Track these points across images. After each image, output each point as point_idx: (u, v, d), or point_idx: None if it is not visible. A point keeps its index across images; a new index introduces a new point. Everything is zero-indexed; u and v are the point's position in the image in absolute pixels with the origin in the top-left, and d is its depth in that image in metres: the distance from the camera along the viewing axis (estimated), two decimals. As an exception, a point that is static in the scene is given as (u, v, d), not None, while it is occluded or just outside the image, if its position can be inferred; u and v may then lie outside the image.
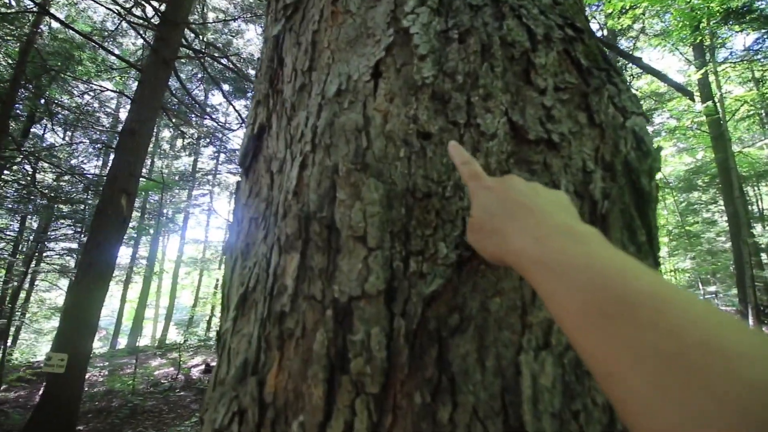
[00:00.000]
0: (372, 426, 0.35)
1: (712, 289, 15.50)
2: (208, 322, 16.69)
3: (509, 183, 0.34)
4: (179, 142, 15.08)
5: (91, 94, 10.24)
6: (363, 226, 0.40)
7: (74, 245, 12.39)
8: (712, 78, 12.44)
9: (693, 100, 1.84)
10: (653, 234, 0.45)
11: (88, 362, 5.27)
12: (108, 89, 9.75)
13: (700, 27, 9.40)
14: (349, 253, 0.40)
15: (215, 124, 11.17)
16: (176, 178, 15.90)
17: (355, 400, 0.36)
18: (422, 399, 0.35)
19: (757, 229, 13.60)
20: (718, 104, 11.23)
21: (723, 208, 12.73)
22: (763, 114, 14.93)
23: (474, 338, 0.35)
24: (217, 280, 19.45)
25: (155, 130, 10.20)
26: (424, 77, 0.44)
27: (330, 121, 0.46)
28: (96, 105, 10.52)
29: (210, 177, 16.37)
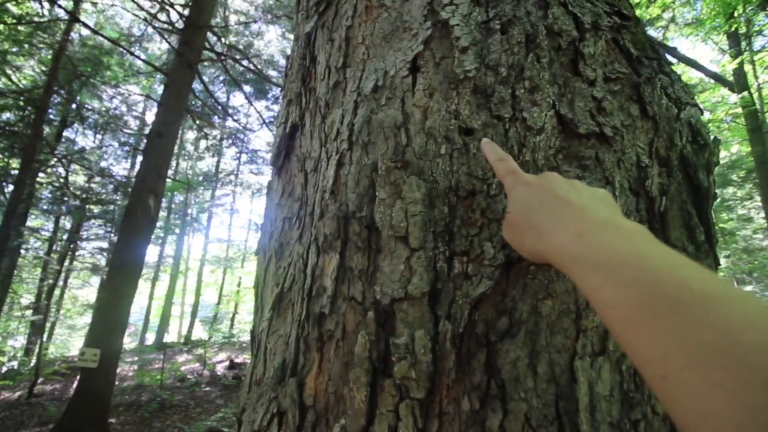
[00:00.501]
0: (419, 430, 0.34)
1: (749, 288, 14.79)
2: (232, 320, 17.07)
3: (548, 179, 0.33)
4: (203, 144, 15.45)
5: (119, 98, 10.61)
6: (404, 225, 0.39)
7: (105, 244, 12.88)
8: (748, 68, 11.85)
9: (733, 90, 1.74)
10: (712, 232, 0.42)
11: (119, 357, 5.47)
12: (135, 93, 10.07)
13: (735, 14, 8.96)
14: (390, 253, 0.39)
15: (237, 125, 11.39)
16: (200, 178, 16.30)
17: (399, 405, 0.35)
18: (470, 405, 0.33)
19: (797, 226, 12.88)
20: (755, 95, 10.69)
21: (760, 204, 12.12)
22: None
23: (525, 343, 0.34)
24: (240, 278, 19.86)
25: (180, 132, 10.47)
26: (465, 70, 0.43)
27: (367, 118, 0.45)
28: (124, 109, 10.89)
29: (232, 177, 16.70)
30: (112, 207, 11.12)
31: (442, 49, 0.45)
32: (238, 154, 15.58)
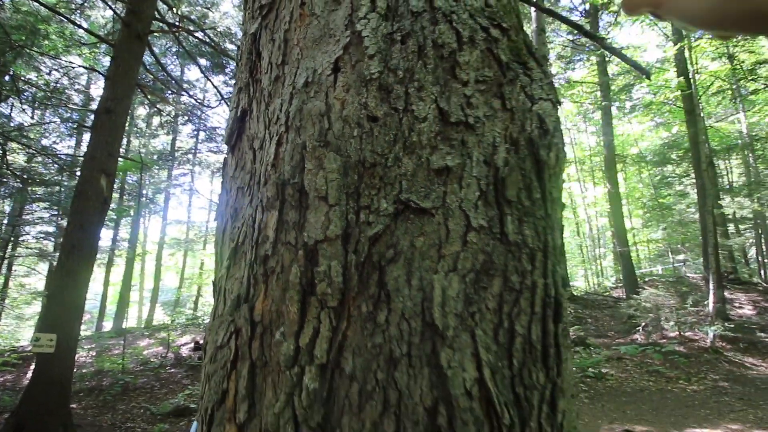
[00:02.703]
0: (332, 329, 0.50)
1: (681, 257, 16.28)
2: (195, 302, 16.75)
3: None
4: (156, 120, 14.66)
5: (60, 70, 9.83)
6: (325, 188, 0.53)
7: (51, 228, 12.14)
8: (688, 54, 12.65)
9: (649, 78, 1.97)
10: (547, 192, 0.59)
11: (77, 342, 5.34)
12: (78, 65, 9.37)
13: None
14: (315, 209, 0.53)
15: (193, 101, 10.91)
16: (155, 157, 15.53)
17: (320, 313, 0.51)
18: (367, 308, 0.49)
19: (725, 200, 14.22)
20: (691, 79, 11.52)
21: (695, 180, 13.24)
22: (735, 89, 15.37)
23: (404, 266, 0.50)
24: (202, 261, 19.37)
25: (130, 108, 9.90)
26: (372, 73, 0.57)
27: (299, 107, 0.59)
28: (65, 82, 10.11)
29: (190, 156, 16.03)
30: (57, 188, 10.46)
31: (357, 54, 0.59)
32: (196, 132, 14.95)
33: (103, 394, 6.66)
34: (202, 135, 14.83)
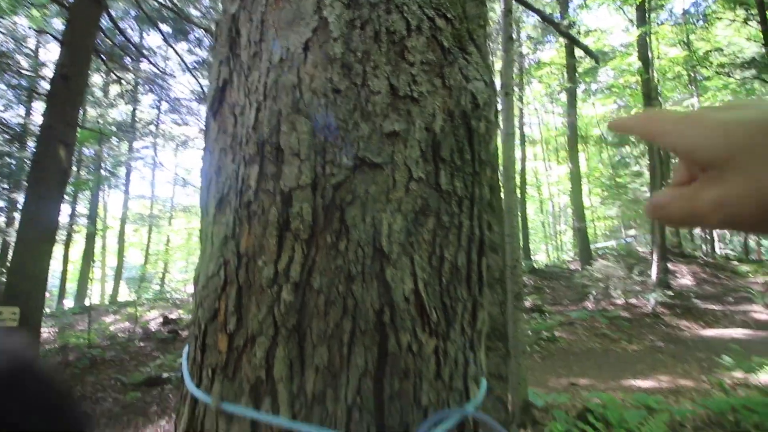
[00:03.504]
0: (304, 256, 0.64)
1: (632, 232, 17.48)
2: (162, 278, 16.39)
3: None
4: (114, 89, 13.85)
5: (4, 31, 9.07)
6: (298, 147, 0.66)
7: (1, 203, 11.44)
8: (649, 39, 13.16)
9: (598, 63, 2.16)
10: (476, 154, 0.75)
11: (42, 315, 5.23)
12: (24, 26, 8.68)
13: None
14: (289, 163, 0.67)
15: (155, 69, 10.39)
16: (113, 128, 14.75)
17: (294, 244, 0.65)
18: (331, 239, 0.64)
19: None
20: (651, 64, 12.10)
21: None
22: (692, 76, 16.23)
23: (360, 207, 0.64)
24: (168, 237, 18.78)
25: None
26: (335, 53, 0.69)
27: (275, 80, 0.71)
28: (11, 45, 9.36)
29: (152, 128, 15.32)
30: (8, 160, 9.83)
31: (324, 37, 0.71)
32: (158, 102, 14.26)
33: (70, 367, 6.59)
34: (164, 106, 14.17)
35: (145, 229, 19.94)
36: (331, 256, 0.64)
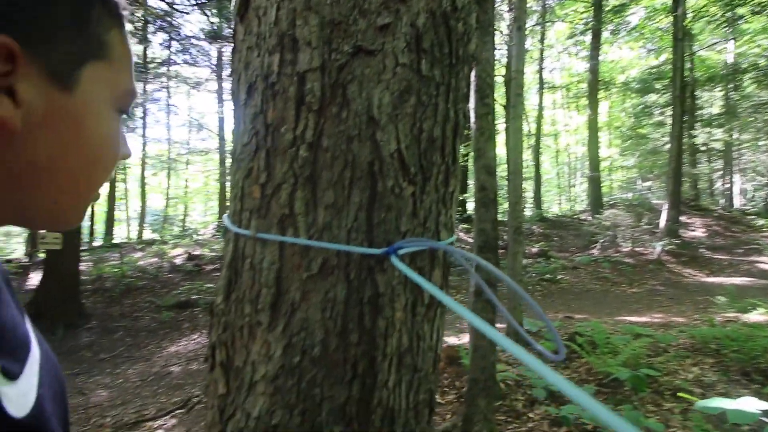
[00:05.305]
0: (315, 123, 0.85)
1: (648, 184, 17.23)
2: (183, 220, 17.18)
3: None
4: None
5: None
6: (310, 36, 0.85)
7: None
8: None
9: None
10: (454, 50, 0.92)
11: (80, 240, 5.72)
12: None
13: None
14: (303, 51, 0.86)
15: (164, 5, 10.18)
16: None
17: (308, 114, 0.85)
18: (336, 110, 0.84)
19: (698, 130, 14.73)
20: (683, 1, 11.23)
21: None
22: (729, 16, 15.00)
23: (357, 85, 0.84)
24: (186, 181, 19.40)
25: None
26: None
27: (291, -18, 0.87)
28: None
29: (165, 70, 15.22)
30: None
31: (330, -55, 0.87)
32: (168, 41, 14.05)
33: (108, 292, 7.28)
34: (175, 45, 13.97)
35: (163, 173, 20.49)
36: (335, 122, 0.84)
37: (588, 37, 15.86)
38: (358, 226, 0.85)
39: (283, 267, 0.87)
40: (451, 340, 4.34)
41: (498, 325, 3.77)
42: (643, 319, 6.17)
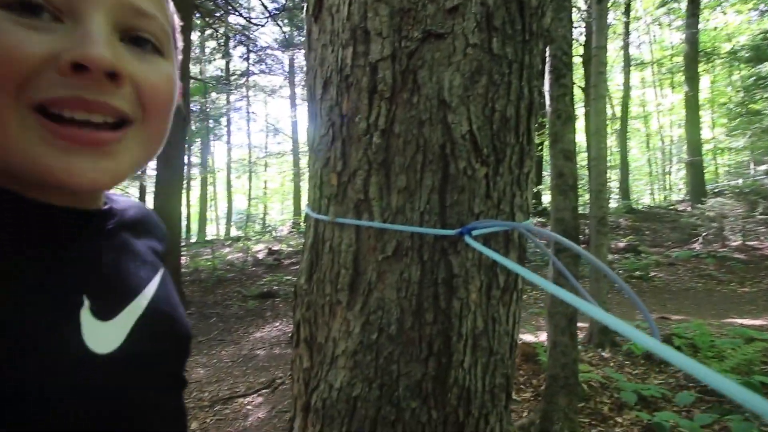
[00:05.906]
0: (387, 110, 0.88)
1: (764, 167, 14.70)
2: (263, 219, 18.66)
3: None
4: (210, 44, 15.04)
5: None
6: (380, 27, 0.88)
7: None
8: None
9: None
10: (526, 25, 0.89)
11: (181, 238, 6.52)
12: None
13: None
14: (374, 41, 0.89)
15: (243, 20, 11.05)
16: (212, 83, 16.25)
17: (380, 102, 0.89)
18: (408, 96, 0.86)
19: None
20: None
21: (796, 78, 11.41)
22: None
23: (428, 69, 0.85)
24: (266, 182, 21.08)
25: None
26: None
27: (362, -23, 0.91)
28: None
29: (244, 80, 16.53)
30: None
31: (398, -65, 0.89)
32: (247, 54, 15.24)
33: (203, 283, 8.18)
34: (253, 57, 15.09)
35: (245, 176, 22.34)
36: (407, 108, 0.87)
37: (683, 4, 13.92)
38: (430, 208, 0.86)
39: (360, 249, 0.92)
40: (527, 337, 4.16)
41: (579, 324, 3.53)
42: (758, 322, 5.33)
